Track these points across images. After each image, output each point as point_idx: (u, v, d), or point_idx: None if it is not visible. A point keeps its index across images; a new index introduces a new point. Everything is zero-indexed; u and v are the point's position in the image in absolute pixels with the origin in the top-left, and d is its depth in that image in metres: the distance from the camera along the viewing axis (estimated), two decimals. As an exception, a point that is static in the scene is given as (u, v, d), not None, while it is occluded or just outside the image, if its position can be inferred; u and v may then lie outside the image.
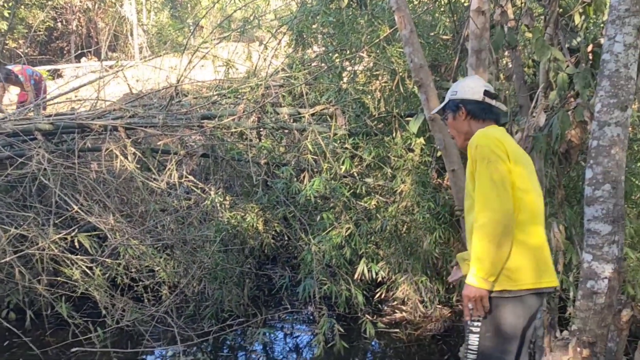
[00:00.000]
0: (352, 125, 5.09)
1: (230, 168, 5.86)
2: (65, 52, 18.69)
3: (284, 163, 5.54)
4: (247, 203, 5.88)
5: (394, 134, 5.29)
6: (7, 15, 12.98)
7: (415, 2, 5.83)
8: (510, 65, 3.82)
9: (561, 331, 3.37)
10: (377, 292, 5.48)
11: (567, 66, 3.65)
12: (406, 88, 5.02)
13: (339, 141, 5.17)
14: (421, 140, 4.96)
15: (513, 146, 2.52)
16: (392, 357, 4.75)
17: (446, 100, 2.75)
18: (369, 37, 4.90)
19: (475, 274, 2.40)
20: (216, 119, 5.31)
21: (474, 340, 2.50)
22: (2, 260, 4.45)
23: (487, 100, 2.65)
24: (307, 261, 4.75)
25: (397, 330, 5.19)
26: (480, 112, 2.64)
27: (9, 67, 7.63)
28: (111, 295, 4.77)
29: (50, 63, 15.84)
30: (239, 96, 5.69)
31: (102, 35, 22.95)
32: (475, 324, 2.48)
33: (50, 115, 5.66)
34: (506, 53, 4.14)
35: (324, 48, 5.34)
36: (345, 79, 5.19)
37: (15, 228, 4.64)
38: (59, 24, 18.06)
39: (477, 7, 2.82)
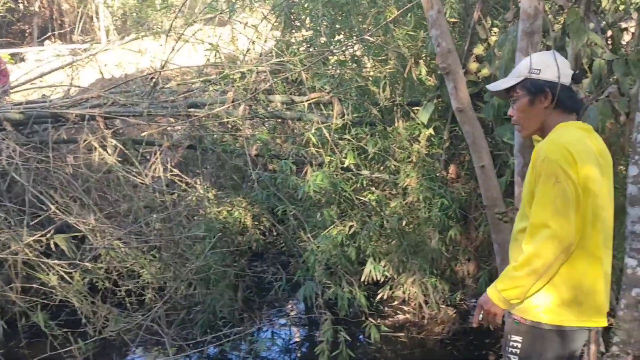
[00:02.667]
0: (355, 114, 4.71)
1: (219, 161, 5.43)
2: (27, 35, 17.83)
3: (278, 155, 5.15)
4: (234, 197, 5.48)
5: (396, 124, 4.94)
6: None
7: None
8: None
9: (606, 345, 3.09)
10: (379, 293, 5.14)
11: (604, 52, 3.34)
12: (411, 75, 4.67)
13: (339, 131, 4.78)
14: (430, 131, 4.62)
15: (592, 156, 2.11)
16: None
17: (518, 78, 2.24)
18: (374, 19, 4.51)
19: (499, 289, 2.14)
20: (206, 107, 4.86)
21: None
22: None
23: (573, 86, 2.20)
24: (310, 262, 4.37)
25: (402, 334, 4.87)
26: (568, 100, 2.18)
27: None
28: (92, 302, 4.32)
29: (11, 46, 15.03)
30: (228, 83, 5.25)
31: (67, 17, 22.05)
32: (514, 350, 2.20)
33: (19, 104, 5.13)
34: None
35: (320, 30, 4.92)
36: (348, 65, 4.78)
37: (-17, 230, 4.15)
38: (20, 5, 17.19)
39: (530, -16, 2.48)
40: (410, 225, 4.77)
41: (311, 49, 5.01)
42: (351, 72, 4.57)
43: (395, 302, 5.36)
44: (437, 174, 4.76)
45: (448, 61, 3.08)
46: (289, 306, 5.26)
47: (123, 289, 4.52)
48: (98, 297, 4.39)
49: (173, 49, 5.12)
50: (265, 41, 5.31)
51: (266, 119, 5.28)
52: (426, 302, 5.05)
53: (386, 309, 5.30)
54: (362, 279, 4.64)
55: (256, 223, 5.68)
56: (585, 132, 2.19)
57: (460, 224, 4.87)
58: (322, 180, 4.40)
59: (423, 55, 4.66)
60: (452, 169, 5.11)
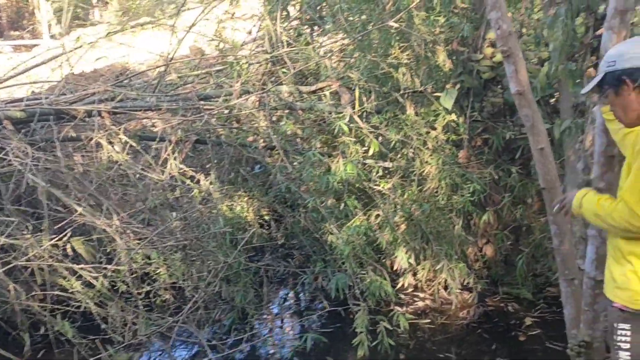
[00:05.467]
0: (375, 102, 4.65)
1: (229, 155, 5.27)
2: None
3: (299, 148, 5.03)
4: (246, 192, 5.35)
5: (409, 110, 4.91)
6: None
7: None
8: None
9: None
10: (399, 282, 5.12)
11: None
12: (431, 61, 4.65)
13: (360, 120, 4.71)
14: (452, 116, 4.62)
15: None
16: (436, 351, 4.44)
17: (600, 74, 2.27)
18: (394, 4, 4.47)
19: (584, 199, 2.37)
20: (220, 99, 4.69)
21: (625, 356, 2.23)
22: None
23: None
24: (343, 253, 4.29)
25: (427, 320, 4.88)
26: None
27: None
28: (121, 307, 4.12)
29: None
30: (234, 74, 5.09)
31: (3, 12, 20.99)
32: (623, 339, 2.22)
33: (15, 101, 4.81)
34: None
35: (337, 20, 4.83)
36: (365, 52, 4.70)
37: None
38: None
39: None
40: (433, 212, 4.76)
41: (324, 38, 4.91)
42: (373, 58, 4.49)
43: (410, 290, 5.36)
44: (456, 161, 4.76)
45: (509, 44, 3.06)
46: (311, 298, 5.17)
47: (143, 291, 4.34)
48: (120, 301, 4.20)
49: (179, 40, 4.91)
50: (274, 31, 5.15)
51: (276, 110, 5.15)
52: (445, 287, 5.08)
53: (402, 296, 5.29)
54: (395, 268, 4.59)
55: (264, 217, 5.58)
56: None
57: (480, 209, 4.89)
58: (351, 170, 4.33)
59: (442, 41, 4.64)
60: (462, 153, 5.12)
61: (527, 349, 4.42)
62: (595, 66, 3.61)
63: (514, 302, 5.15)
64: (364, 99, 4.70)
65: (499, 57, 4.77)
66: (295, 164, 4.90)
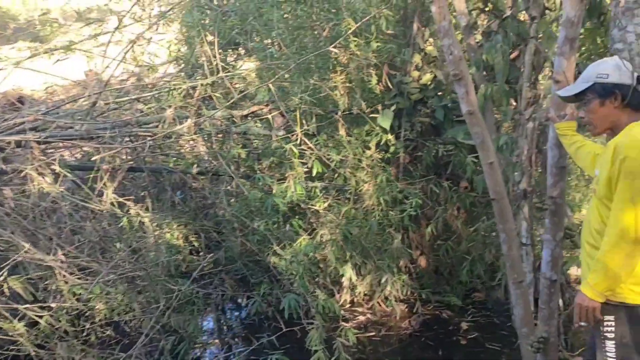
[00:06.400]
0: (315, 124, 4.79)
1: (160, 181, 5.17)
2: None
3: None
4: (179, 219, 5.27)
5: (341, 132, 5.10)
6: None
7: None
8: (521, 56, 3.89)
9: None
10: (340, 298, 5.26)
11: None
12: (366, 84, 4.88)
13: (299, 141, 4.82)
14: (389, 136, 4.86)
15: None
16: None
17: (588, 83, 2.47)
18: (332, 30, 4.65)
19: (592, 284, 2.34)
20: (160, 126, 4.61)
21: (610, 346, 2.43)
22: None
23: (638, 86, 2.42)
24: (298, 272, 4.35)
25: (373, 333, 5.04)
26: (636, 100, 2.40)
27: None
28: (68, 347, 3.89)
29: None
30: (169, 99, 5.04)
31: None
32: (609, 329, 2.41)
33: None
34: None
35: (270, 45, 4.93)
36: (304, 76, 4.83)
37: None
38: None
39: (578, -6, 2.80)
40: (372, 229, 4.94)
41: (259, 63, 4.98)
42: (313, 82, 4.63)
43: (348, 305, 5.51)
44: (391, 178, 4.99)
45: (460, 68, 3.32)
46: (258, 321, 5.14)
47: (86, 328, 4.14)
48: (68, 340, 3.97)
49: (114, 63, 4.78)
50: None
51: (212, 134, 5.13)
52: (386, 299, 5.28)
53: (343, 312, 5.42)
54: (345, 284, 4.72)
55: (193, 243, 5.51)
56: None
57: (414, 222, 5.16)
58: (300, 191, 4.43)
59: (373, 65, 4.88)
60: (393, 170, 5.37)
61: (469, 351, 4.70)
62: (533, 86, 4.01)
63: (446, 310, 5.46)
64: (304, 121, 4.81)
65: (425, 79, 5.12)
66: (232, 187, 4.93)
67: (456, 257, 5.46)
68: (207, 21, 5.67)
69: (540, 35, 3.75)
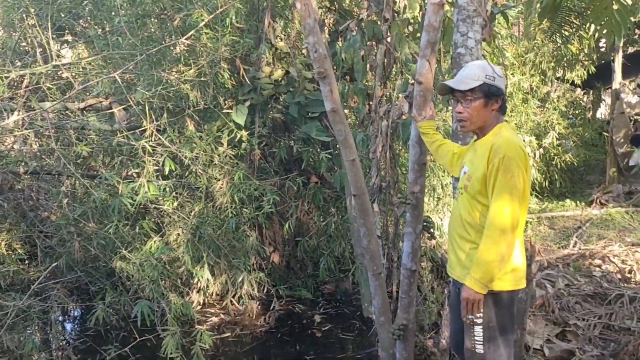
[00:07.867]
0: (166, 119, 4.53)
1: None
2: None
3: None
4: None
5: (189, 127, 4.90)
6: None
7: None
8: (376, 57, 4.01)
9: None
10: (190, 298, 5.05)
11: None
12: (219, 78, 4.72)
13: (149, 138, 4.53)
14: (243, 132, 4.76)
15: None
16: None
17: (477, 82, 2.53)
18: (182, 22, 4.42)
19: (477, 278, 2.45)
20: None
21: (478, 330, 2.57)
22: None
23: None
24: (151, 277, 4.08)
25: (228, 334, 4.93)
26: (505, 105, 2.60)
27: None
28: None
29: None
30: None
31: None
32: (478, 314, 2.53)
33: None
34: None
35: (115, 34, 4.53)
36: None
37: None
38: None
39: (438, 0, 2.90)
40: (226, 227, 4.82)
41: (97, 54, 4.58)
42: (161, 74, 4.34)
43: (199, 307, 5.34)
44: (246, 174, 4.90)
45: (325, 66, 3.31)
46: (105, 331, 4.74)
47: None
48: None
49: None
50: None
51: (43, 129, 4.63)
52: (240, 299, 5.19)
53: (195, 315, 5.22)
54: (202, 286, 4.53)
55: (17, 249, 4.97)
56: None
57: (268, 220, 5.13)
58: (154, 191, 4.15)
59: (225, 59, 4.74)
60: (243, 166, 5.27)
61: (325, 343, 4.80)
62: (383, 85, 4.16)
63: (299, 304, 5.53)
64: (152, 116, 4.52)
65: (277, 74, 5.09)
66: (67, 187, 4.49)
67: (307, 251, 5.55)
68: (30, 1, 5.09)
69: (390, 37, 3.91)
